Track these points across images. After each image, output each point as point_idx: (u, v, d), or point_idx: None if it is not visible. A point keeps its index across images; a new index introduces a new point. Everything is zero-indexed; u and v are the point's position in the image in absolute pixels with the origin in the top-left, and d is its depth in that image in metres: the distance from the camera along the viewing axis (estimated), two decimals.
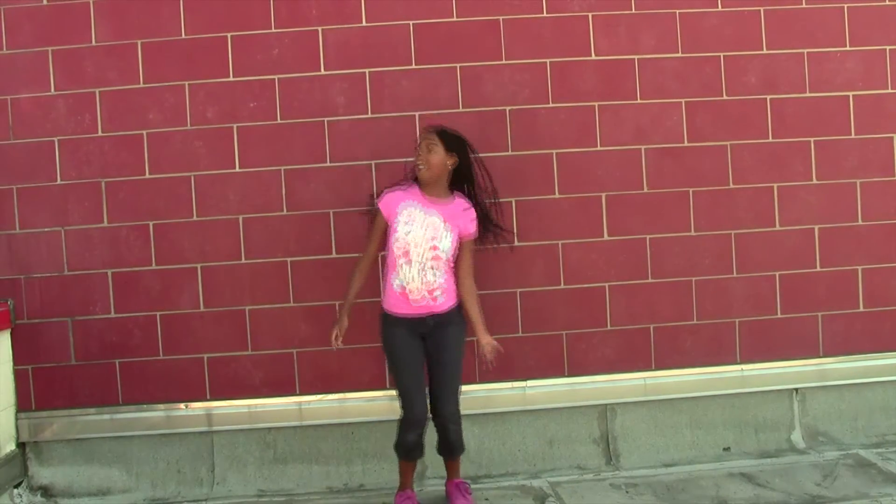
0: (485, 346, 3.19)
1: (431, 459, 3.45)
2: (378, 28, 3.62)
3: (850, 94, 3.77)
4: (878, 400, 3.85)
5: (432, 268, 3.11)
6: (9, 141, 3.59)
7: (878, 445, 3.76)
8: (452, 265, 3.20)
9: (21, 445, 3.63)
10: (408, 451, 3.18)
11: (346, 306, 3.24)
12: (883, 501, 3.18)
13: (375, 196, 3.31)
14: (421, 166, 3.12)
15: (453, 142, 3.16)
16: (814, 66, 3.76)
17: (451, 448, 3.25)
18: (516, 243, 3.61)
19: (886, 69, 3.79)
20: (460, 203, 3.20)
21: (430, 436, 3.25)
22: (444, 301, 3.16)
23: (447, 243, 3.12)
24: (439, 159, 3.12)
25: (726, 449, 3.78)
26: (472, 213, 3.20)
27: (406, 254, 3.10)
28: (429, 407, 3.16)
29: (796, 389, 3.82)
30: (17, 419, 3.60)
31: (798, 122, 3.75)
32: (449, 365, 3.17)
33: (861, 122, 3.78)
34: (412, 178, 3.23)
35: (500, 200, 3.37)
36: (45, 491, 3.63)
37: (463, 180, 3.23)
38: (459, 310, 3.23)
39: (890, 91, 3.79)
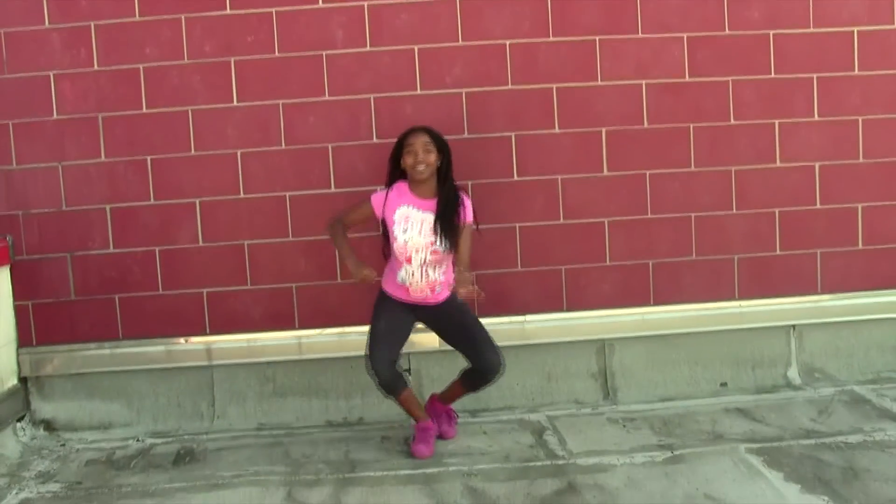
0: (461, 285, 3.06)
1: None
2: None
3: (855, 29, 3.72)
4: (874, 337, 3.86)
5: (434, 267, 3.16)
6: (3, 75, 3.56)
7: (873, 382, 3.79)
8: (453, 255, 3.18)
9: (23, 380, 3.65)
10: (387, 388, 3.15)
11: (351, 252, 3.14)
12: (876, 436, 3.20)
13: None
14: (421, 167, 3.10)
15: (441, 141, 3.17)
16: (817, 1, 3.69)
17: (475, 387, 3.25)
18: (515, 178, 3.63)
19: (892, 5, 3.73)
20: (450, 195, 3.16)
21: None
22: (442, 292, 3.21)
23: (445, 241, 3.12)
24: (434, 158, 3.13)
25: (723, 384, 3.80)
26: (466, 202, 3.18)
27: (409, 259, 3.14)
28: (392, 365, 3.15)
29: (794, 326, 3.83)
30: (18, 354, 3.63)
31: (800, 58, 3.71)
32: (471, 324, 3.21)
33: (865, 58, 3.73)
34: (395, 180, 3.20)
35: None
36: (48, 425, 3.66)
37: (442, 177, 3.18)
38: (455, 295, 3.15)
39: (895, 27, 3.74)
